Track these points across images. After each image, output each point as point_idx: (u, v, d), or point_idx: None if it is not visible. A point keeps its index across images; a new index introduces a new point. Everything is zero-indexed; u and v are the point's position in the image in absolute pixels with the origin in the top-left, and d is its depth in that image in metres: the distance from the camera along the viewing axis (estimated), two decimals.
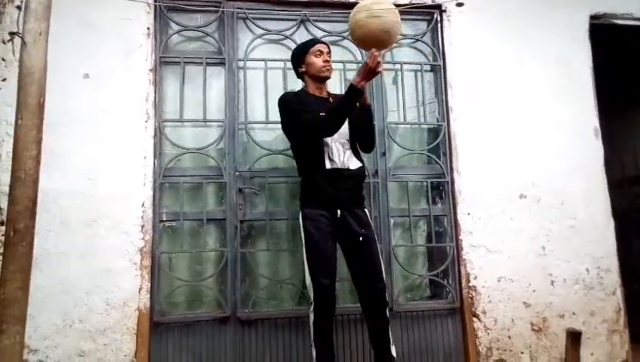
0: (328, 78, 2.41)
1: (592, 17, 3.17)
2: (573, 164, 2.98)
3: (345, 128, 2.29)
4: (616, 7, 3.19)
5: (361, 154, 2.42)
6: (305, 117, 2.25)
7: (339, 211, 2.26)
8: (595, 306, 2.88)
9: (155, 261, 2.56)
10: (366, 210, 2.38)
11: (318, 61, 2.36)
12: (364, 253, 2.25)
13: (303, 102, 2.32)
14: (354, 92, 2.15)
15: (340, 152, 2.29)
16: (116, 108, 2.60)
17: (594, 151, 3.04)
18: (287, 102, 2.35)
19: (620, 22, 3.21)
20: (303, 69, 2.41)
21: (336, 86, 2.93)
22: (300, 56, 2.42)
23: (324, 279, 2.16)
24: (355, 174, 2.32)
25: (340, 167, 2.27)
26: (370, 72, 2.11)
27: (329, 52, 2.42)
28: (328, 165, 2.26)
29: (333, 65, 2.87)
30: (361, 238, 2.25)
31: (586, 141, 3.04)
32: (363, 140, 2.40)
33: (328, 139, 2.28)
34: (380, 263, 2.28)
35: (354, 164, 2.33)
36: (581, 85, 3.09)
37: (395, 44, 2.63)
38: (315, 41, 2.45)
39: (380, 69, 2.11)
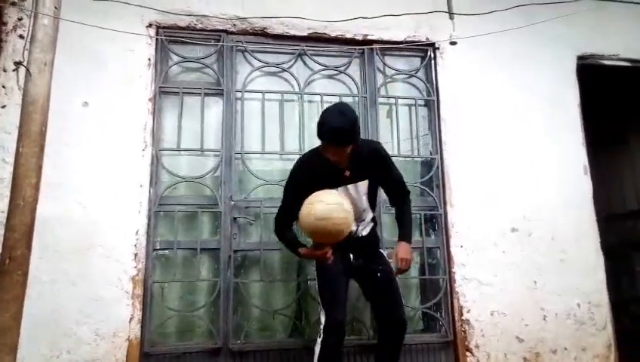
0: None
1: (580, 58, 3.29)
2: (564, 199, 3.04)
3: (356, 201, 2.25)
4: (603, 48, 3.32)
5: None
6: (280, 210, 2.34)
7: (351, 256, 2.30)
8: (587, 341, 2.89)
9: (147, 290, 2.53)
10: (382, 251, 2.42)
11: (329, 151, 2.16)
12: (384, 286, 2.27)
13: (307, 176, 2.21)
14: (296, 253, 2.31)
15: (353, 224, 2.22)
16: (114, 136, 2.61)
17: (583, 186, 3.10)
18: (290, 177, 2.30)
19: (606, 62, 3.33)
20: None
21: None
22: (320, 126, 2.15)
23: (338, 315, 2.14)
24: (366, 238, 2.34)
25: (352, 236, 2.25)
26: (314, 258, 2.26)
27: (342, 151, 2.14)
28: None
29: (329, 99, 2.97)
30: (379, 274, 2.28)
31: (575, 177, 3.10)
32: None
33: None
34: (399, 294, 2.29)
35: (366, 231, 2.34)
36: (570, 122, 3.18)
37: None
38: (333, 137, 2.10)
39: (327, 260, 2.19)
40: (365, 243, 2.34)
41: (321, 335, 2.14)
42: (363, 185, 2.28)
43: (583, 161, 3.14)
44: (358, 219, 2.28)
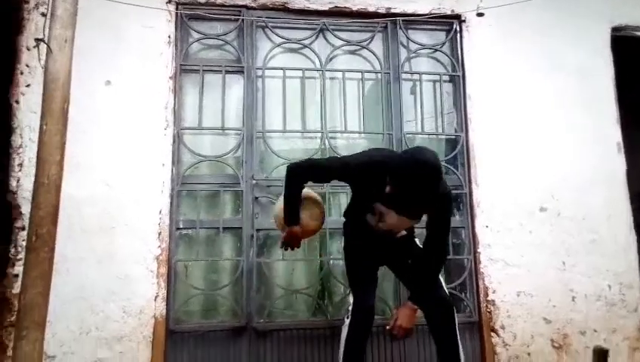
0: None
1: (614, 29, 3.13)
2: (595, 178, 2.93)
3: (393, 227, 2.14)
4: (638, 18, 3.15)
5: None
6: (314, 165, 2.15)
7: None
8: (617, 323, 2.81)
9: (171, 269, 2.55)
10: (416, 239, 2.29)
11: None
12: (418, 271, 2.13)
13: (363, 178, 2.03)
14: (287, 219, 2.15)
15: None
16: (136, 115, 2.61)
17: (616, 164, 2.98)
18: (352, 161, 2.08)
19: None
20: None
21: (354, 96, 2.93)
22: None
23: (368, 299, 2.11)
24: (398, 238, 2.23)
25: (383, 232, 2.15)
26: (289, 240, 2.16)
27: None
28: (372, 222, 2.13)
29: (352, 75, 2.91)
30: (410, 261, 2.21)
31: (607, 154, 2.99)
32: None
33: (370, 223, 2.14)
34: (437, 287, 2.12)
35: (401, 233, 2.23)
36: (603, 97, 3.05)
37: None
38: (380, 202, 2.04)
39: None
40: (396, 242, 2.23)
41: (349, 317, 2.12)
42: (406, 222, 2.12)
43: (617, 138, 3.01)
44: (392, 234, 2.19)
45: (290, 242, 2.16)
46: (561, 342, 2.74)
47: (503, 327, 2.72)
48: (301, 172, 2.10)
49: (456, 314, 2.12)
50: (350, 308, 2.14)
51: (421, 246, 2.19)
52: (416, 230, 2.33)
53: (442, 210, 2.04)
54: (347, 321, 2.12)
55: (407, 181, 1.80)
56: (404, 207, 1.96)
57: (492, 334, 2.71)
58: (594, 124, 3.00)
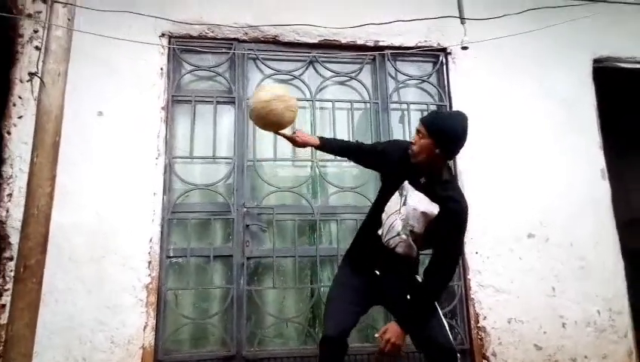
0: (414, 163, 1.97)
1: (595, 60, 3.23)
2: (581, 204, 2.98)
3: (414, 211, 1.95)
4: (619, 50, 3.26)
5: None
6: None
7: (377, 272, 2.05)
8: (608, 349, 2.81)
9: (161, 298, 2.54)
10: (417, 276, 2.10)
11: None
12: (414, 295, 1.97)
13: (390, 153, 2.09)
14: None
15: (393, 228, 1.99)
16: (128, 144, 2.65)
17: (601, 191, 3.03)
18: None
19: (623, 65, 3.27)
20: None
21: (343, 126, 2.98)
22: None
23: (329, 331, 1.95)
24: (397, 256, 2.01)
25: (383, 241, 2.01)
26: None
27: (417, 131, 1.99)
28: (376, 230, 2.03)
29: (342, 105, 2.97)
30: (409, 297, 1.99)
31: (593, 181, 3.04)
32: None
33: (392, 206, 2.01)
34: (437, 319, 1.98)
35: (402, 249, 1.99)
36: (586, 126, 3.12)
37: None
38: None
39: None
40: (396, 259, 2.02)
41: (318, 350, 2.00)
42: (429, 203, 1.94)
43: (601, 164, 3.07)
44: (398, 232, 1.99)
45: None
46: None
47: (494, 354, 2.71)
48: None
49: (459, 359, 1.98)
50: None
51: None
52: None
53: (454, 219, 1.94)
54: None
55: (449, 132, 1.92)
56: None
57: (483, 361, 2.70)
58: (579, 152, 3.06)
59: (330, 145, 2.20)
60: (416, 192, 1.97)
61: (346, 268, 2.14)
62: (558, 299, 2.83)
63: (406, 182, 2.00)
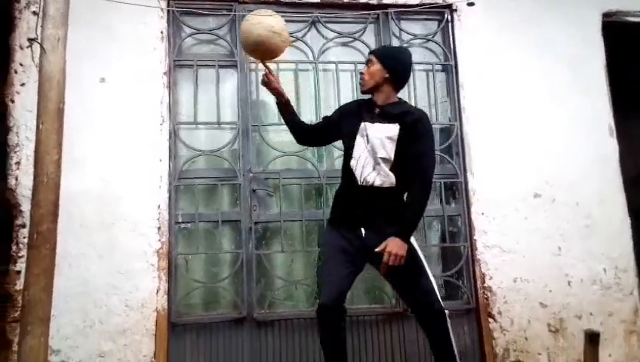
0: (363, 92, 2.19)
1: (605, 15, 3.14)
2: (588, 163, 2.96)
3: (377, 140, 2.07)
4: (629, 4, 3.16)
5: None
6: None
7: (363, 230, 2.08)
8: (613, 307, 2.85)
9: (171, 262, 2.58)
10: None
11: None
12: (403, 274, 2.03)
13: (340, 113, 2.29)
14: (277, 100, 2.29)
15: (366, 167, 2.08)
16: (132, 111, 2.63)
17: (609, 149, 3.01)
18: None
19: (632, 19, 3.17)
20: None
21: (347, 88, 2.94)
22: None
23: (324, 299, 2.02)
24: (378, 193, 2.07)
25: (361, 183, 2.08)
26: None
27: (366, 62, 2.19)
28: (352, 179, 2.10)
29: (345, 67, 2.92)
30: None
31: (600, 139, 3.01)
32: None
33: (358, 150, 2.10)
34: (424, 279, 2.05)
35: (380, 181, 2.06)
36: (594, 83, 3.06)
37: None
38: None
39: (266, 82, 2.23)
40: (379, 199, 2.07)
41: (316, 318, 2.06)
42: (391, 128, 2.06)
43: (609, 122, 3.03)
44: (375, 159, 2.07)
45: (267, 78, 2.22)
46: (558, 326, 2.78)
47: (500, 313, 2.76)
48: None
49: (448, 320, 2.06)
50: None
51: None
52: None
53: (422, 127, 2.08)
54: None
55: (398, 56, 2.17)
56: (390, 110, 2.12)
57: (489, 320, 2.75)
58: (586, 110, 3.02)
59: (291, 110, 2.30)
60: (376, 124, 2.11)
61: (332, 232, 2.16)
62: (563, 257, 2.85)
63: (363, 124, 2.12)
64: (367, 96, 2.21)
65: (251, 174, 2.74)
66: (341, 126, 2.22)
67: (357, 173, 2.09)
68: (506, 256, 2.82)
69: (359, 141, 2.11)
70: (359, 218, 2.09)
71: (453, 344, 2.08)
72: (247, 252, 2.67)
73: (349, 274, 2.08)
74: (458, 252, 2.87)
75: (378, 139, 2.07)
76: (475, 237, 2.82)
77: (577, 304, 2.82)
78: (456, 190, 2.93)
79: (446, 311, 2.06)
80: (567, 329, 2.78)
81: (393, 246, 1.94)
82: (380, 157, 2.06)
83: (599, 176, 2.96)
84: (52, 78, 1.68)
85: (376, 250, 1.97)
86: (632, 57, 3.61)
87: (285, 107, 2.28)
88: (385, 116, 2.11)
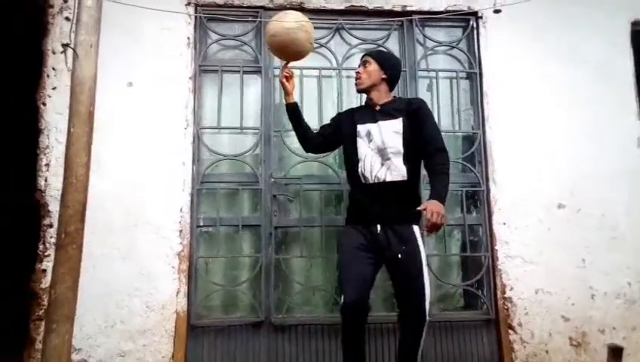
0: (359, 91, 2.33)
1: (634, 23, 3.08)
2: (614, 174, 2.90)
3: (383, 137, 2.18)
4: None
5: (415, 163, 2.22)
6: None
7: (378, 227, 2.14)
8: (637, 321, 2.79)
9: (192, 265, 2.62)
10: (414, 226, 2.15)
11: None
12: (403, 270, 2.11)
13: (338, 119, 2.40)
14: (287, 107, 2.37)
15: (374, 165, 2.17)
16: (157, 115, 2.68)
17: (636, 160, 2.94)
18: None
19: None
20: None
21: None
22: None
23: (352, 295, 2.03)
24: (391, 188, 2.14)
25: (372, 181, 2.16)
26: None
27: (363, 63, 2.31)
28: (362, 180, 2.19)
29: None
30: (399, 256, 2.10)
31: (627, 149, 2.95)
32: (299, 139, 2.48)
33: (362, 152, 2.20)
34: (419, 281, 2.08)
35: (392, 176, 2.14)
36: (622, 92, 3.01)
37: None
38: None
39: (282, 81, 2.33)
40: (389, 200, 2.13)
41: (340, 316, 2.08)
42: (396, 123, 2.20)
43: (637, 132, 2.97)
44: (383, 156, 2.16)
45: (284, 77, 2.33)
46: (580, 339, 2.73)
47: (520, 325, 2.72)
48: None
49: (425, 328, 2.09)
50: (340, 306, 2.08)
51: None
52: None
53: (417, 113, 2.21)
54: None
55: (392, 59, 2.38)
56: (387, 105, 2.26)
57: (510, 331, 2.71)
58: (613, 119, 2.96)
59: (298, 114, 2.38)
60: (379, 122, 2.21)
61: (349, 230, 2.21)
62: (587, 270, 2.80)
63: (361, 126, 2.24)
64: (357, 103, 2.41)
65: (272, 179, 2.76)
66: (341, 131, 2.33)
67: (367, 172, 2.18)
68: (528, 266, 2.78)
69: (361, 143, 2.23)
70: (375, 215, 2.16)
71: (420, 349, 2.13)
72: (266, 256, 2.69)
73: (372, 271, 2.13)
74: (479, 261, 2.84)
75: (386, 136, 2.19)
76: (496, 247, 2.79)
77: (601, 318, 2.76)
78: (478, 199, 2.90)
79: (427, 319, 2.10)
80: (589, 343, 2.73)
81: (434, 205, 1.97)
82: (391, 152, 2.17)
83: (626, 188, 2.90)
84: (84, 83, 1.72)
85: (418, 208, 2.04)
86: None
87: (295, 111, 2.38)
88: (387, 113, 2.24)
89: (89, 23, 1.75)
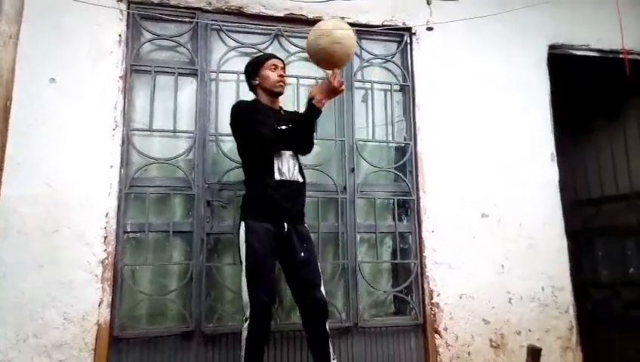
0: (281, 93, 2.44)
1: (551, 47, 3.34)
2: (532, 186, 3.12)
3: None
4: (574, 38, 3.38)
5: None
6: (262, 129, 2.25)
7: (286, 225, 2.27)
8: (550, 324, 3.00)
9: (117, 273, 2.48)
10: (306, 225, 2.40)
11: (272, 75, 2.40)
12: (304, 267, 2.26)
13: (259, 113, 2.34)
14: (317, 112, 2.25)
15: (289, 164, 2.33)
16: (83, 114, 2.52)
17: (550, 173, 3.18)
18: (244, 110, 2.36)
19: (577, 52, 3.40)
20: (257, 82, 2.43)
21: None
22: (254, 69, 2.44)
23: (264, 296, 2.13)
24: (302, 188, 2.37)
25: (289, 179, 2.30)
26: (333, 91, 2.24)
27: (284, 67, 2.46)
28: (278, 176, 2.28)
29: (306, 82, 2.95)
30: (302, 254, 2.26)
31: (543, 164, 3.18)
32: (305, 143, 2.43)
33: (282, 152, 2.32)
34: (319, 276, 2.27)
35: (301, 177, 2.38)
36: (540, 110, 3.24)
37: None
38: (270, 56, 2.50)
39: (342, 88, 2.28)
40: (300, 199, 2.37)
41: (248, 320, 2.13)
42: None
43: (551, 148, 3.21)
44: (293, 157, 2.37)
45: (334, 84, 2.24)
46: (499, 341, 2.89)
47: (446, 329, 2.83)
48: (269, 137, 2.28)
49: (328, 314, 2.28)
50: (248, 310, 2.14)
51: None
52: None
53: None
54: (246, 324, 2.14)
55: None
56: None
57: (436, 335, 2.82)
58: (532, 135, 3.19)
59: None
60: (283, 127, 2.30)
61: (257, 228, 2.22)
62: (506, 275, 2.98)
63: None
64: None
65: (206, 185, 2.69)
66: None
67: (284, 172, 2.29)
68: (454, 273, 2.91)
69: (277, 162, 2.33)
70: (288, 212, 2.28)
71: (329, 340, 2.24)
72: (197, 264, 2.61)
73: (274, 269, 2.26)
74: (408, 268, 2.94)
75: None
76: (424, 254, 2.89)
77: (517, 321, 2.94)
78: (409, 208, 3.00)
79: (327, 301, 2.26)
80: (507, 344, 2.90)
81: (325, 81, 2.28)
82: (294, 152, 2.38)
83: (542, 199, 3.13)
84: (0, 76, 1.59)
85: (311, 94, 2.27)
86: (574, 88, 3.85)
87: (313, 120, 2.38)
88: (285, 120, 2.35)
89: (9, 12, 1.64)
